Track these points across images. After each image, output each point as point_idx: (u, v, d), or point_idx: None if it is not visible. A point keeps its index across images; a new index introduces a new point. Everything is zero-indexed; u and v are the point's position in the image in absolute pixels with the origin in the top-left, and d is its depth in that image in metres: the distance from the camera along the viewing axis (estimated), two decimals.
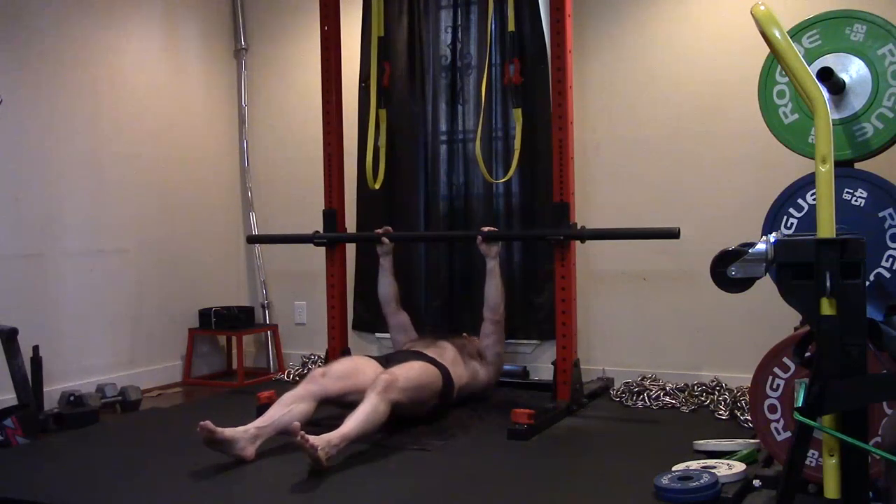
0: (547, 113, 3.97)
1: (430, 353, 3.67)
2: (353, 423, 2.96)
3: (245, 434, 2.97)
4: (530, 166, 4.33)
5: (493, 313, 3.90)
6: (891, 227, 2.70)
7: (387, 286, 4.14)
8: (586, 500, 2.61)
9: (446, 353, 3.72)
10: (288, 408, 3.14)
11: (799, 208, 2.89)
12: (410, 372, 3.31)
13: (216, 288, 5.14)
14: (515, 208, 4.47)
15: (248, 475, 2.86)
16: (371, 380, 3.21)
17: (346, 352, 4.16)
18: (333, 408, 3.29)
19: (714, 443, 3.00)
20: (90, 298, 4.34)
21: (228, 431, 2.93)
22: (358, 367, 3.41)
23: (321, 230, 4.26)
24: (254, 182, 5.28)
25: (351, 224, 4.55)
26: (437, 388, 3.46)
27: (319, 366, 3.92)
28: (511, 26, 4.10)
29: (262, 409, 3.28)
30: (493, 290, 3.89)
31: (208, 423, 2.86)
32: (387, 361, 3.53)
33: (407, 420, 3.34)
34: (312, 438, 2.76)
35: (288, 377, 4.63)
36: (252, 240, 5.01)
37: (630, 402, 3.84)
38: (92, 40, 4.39)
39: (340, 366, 3.43)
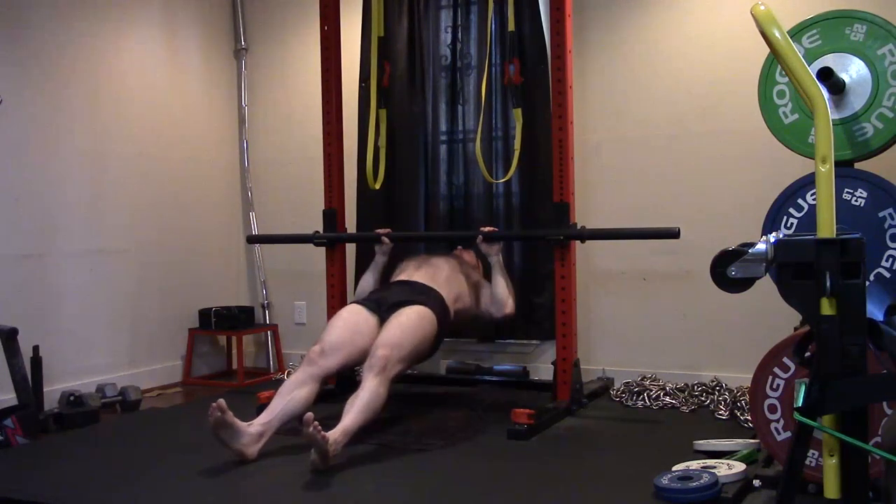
0: (547, 113, 3.97)
1: (421, 276, 3.65)
2: (354, 414, 2.95)
3: (250, 429, 2.96)
4: (530, 166, 4.33)
5: (500, 309, 3.86)
6: (891, 227, 2.70)
7: (370, 284, 4.04)
8: (586, 500, 2.61)
9: (440, 272, 3.71)
10: (290, 395, 3.13)
11: (799, 208, 2.89)
12: (404, 337, 3.27)
13: (216, 288, 5.14)
14: (515, 208, 4.47)
15: (248, 475, 2.86)
16: (369, 339, 3.25)
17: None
18: (333, 406, 3.28)
19: (714, 443, 3.00)
20: (90, 298, 4.34)
21: (238, 421, 2.91)
22: (353, 329, 3.37)
23: (321, 230, 4.26)
24: (254, 182, 5.28)
25: (351, 224, 4.55)
26: (433, 333, 3.45)
27: None
28: (511, 26, 4.10)
29: (262, 410, 3.26)
30: (500, 286, 3.85)
31: (222, 402, 2.81)
32: (379, 306, 3.48)
33: (407, 413, 3.34)
34: (325, 432, 2.74)
35: (288, 377, 4.62)
36: (252, 240, 5.01)
37: (630, 402, 3.84)
38: (92, 40, 4.38)
39: (335, 335, 3.36)
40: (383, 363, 3.11)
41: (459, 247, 4.10)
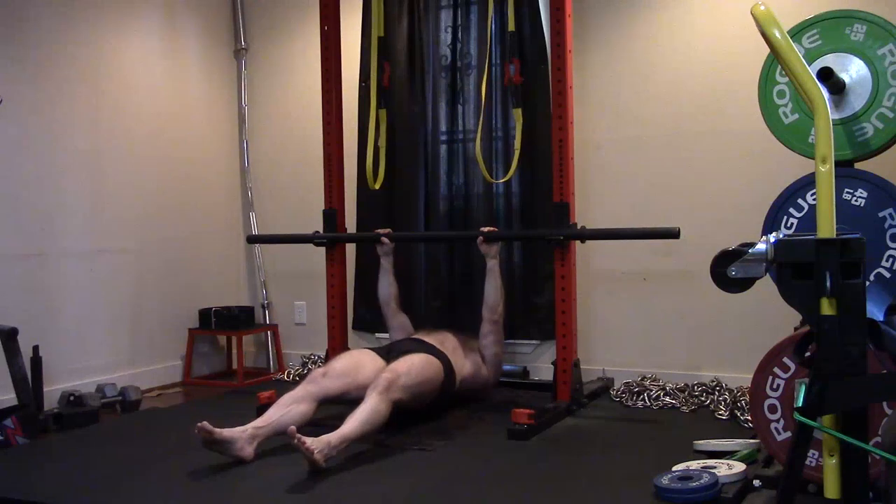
0: (547, 113, 3.97)
1: (431, 340, 3.68)
2: (353, 423, 2.96)
3: (243, 434, 2.98)
4: (530, 166, 4.33)
5: (491, 313, 3.90)
6: (891, 227, 2.70)
7: (387, 287, 4.14)
8: (586, 500, 2.61)
9: (447, 341, 3.74)
10: (287, 408, 3.14)
11: (799, 208, 2.89)
12: (412, 368, 3.30)
13: (216, 288, 5.14)
14: (515, 208, 4.47)
15: (247, 475, 2.86)
16: (371, 375, 3.23)
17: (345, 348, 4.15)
18: (335, 407, 3.29)
19: (714, 443, 3.00)
20: (90, 298, 4.34)
21: (226, 432, 2.93)
22: (358, 364, 3.41)
23: (321, 230, 4.26)
24: (254, 182, 5.28)
25: (351, 224, 4.55)
26: (438, 380, 3.46)
27: (320, 366, 3.92)
28: (511, 26, 4.10)
29: (262, 410, 3.28)
30: (493, 289, 3.89)
31: (205, 424, 2.86)
32: (388, 353, 3.53)
33: (408, 414, 3.35)
34: (309, 441, 2.76)
35: (288, 377, 4.63)
36: (252, 240, 5.01)
37: (630, 402, 3.84)
38: (92, 40, 4.39)
39: (340, 364, 3.42)
40: (387, 384, 3.12)
41: (467, 335, 4.10)
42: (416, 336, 3.81)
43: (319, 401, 3.25)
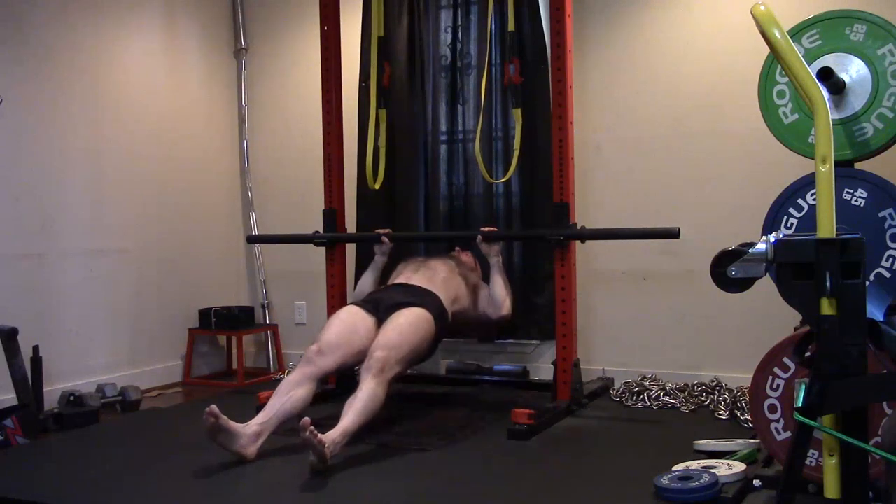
0: (547, 113, 3.97)
1: (419, 279, 3.66)
2: (352, 416, 2.95)
3: (248, 431, 2.96)
4: (530, 166, 4.33)
5: (497, 309, 3.88)
6: (891, 227, 2.70)
7: (369, 284, 4.09)
8: (586, 500, 2.61)
9: (438, 273, 3.73)
10: (287, 396, 3.12)
11: (799, 208, 2.89)
12: (403, 338, 3.28)
13: (216, 288, 5.14)
14: (515, 208, 4.47)
15: (248, 475, 2.86)
16: (365, 338, 3.27)
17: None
18: (333, 407, 3.28)
19: (714, 443, 3.00)
20: (90, 298, 4.34)
21: (233, 424, 2.92)
22: (350, 329, 3.38)
23: (321, 230, 4.26)
24: (254, 182, 5.28)
25: (351, 224, 4.55)
26: (431, 334, 3.45)
27: None
28: (511, 26, 4.10)
29: (261, 410, 3.27)
30: (498, 287, 3.88)
31: (214, 408, 2.82)
32: (376, 307, 3.49)
33: (408, 414, 3.34)
34: (321, 436, 2.75)
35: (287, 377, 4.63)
36: (252, 240, 5.01)
37: (630, 402, 3.84)
38: (92, 40, 4.39)
39: (332, 334, 3.36)
40: (381, 365, 3.11)
41: (458, 248, 4.11)
42: (401, 279, 3.75)
43: (318, 379, 3.24)
